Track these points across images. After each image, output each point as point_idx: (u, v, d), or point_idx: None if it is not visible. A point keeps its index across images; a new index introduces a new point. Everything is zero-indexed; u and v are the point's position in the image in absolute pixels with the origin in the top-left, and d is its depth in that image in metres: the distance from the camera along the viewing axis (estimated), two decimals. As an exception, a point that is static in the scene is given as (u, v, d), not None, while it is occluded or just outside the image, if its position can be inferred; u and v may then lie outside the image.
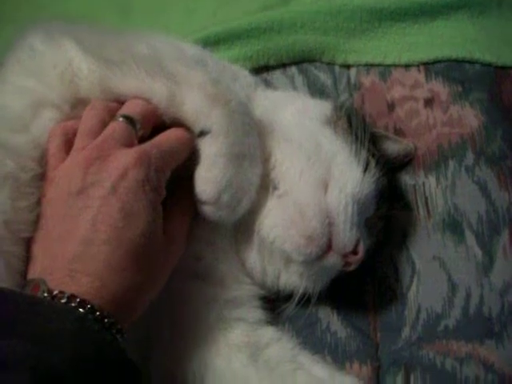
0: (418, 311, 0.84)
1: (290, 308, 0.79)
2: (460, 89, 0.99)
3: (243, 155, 0.68)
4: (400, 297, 0.85)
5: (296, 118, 0.81)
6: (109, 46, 0.71)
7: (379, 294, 0.86)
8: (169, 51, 0.76)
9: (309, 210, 0.72)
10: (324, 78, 1.05)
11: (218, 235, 0.78)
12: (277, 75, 1.04)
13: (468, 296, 0.84)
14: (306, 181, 0.74)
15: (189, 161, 0.69)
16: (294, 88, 1.03)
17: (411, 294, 0.85)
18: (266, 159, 0.75)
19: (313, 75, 1.05)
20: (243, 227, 0.77)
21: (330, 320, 0.84)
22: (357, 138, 0.79)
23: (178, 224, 0.69)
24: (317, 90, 1.02)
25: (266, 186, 0.75)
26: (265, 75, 1.04)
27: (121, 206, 0.61)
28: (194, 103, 0.67)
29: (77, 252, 0.59)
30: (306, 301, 0.78)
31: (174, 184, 0.68)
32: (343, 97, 1.02)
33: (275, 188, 0.75)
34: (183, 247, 0.70)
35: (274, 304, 0.82)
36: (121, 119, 0.67)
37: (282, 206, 0.74)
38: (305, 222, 0.72)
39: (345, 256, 0.74)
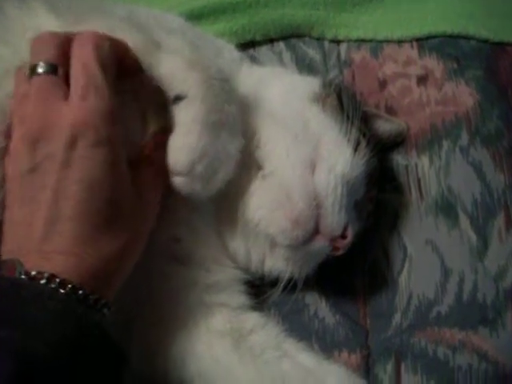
0: (410, 297, 0.81)
1: (276, 293, 0.77)
2: (455, 65, 0.97)
3: (221, 124, 0.64)
4: (391, 282, 0.82)
5: (282, 94, 0.78)
6: (84, 12, 0.67)
7: (369, 280, 0.83)
8: (148, 17, 0.73)
9: (295, 191, 0.70)
10: (313, 53, 1.02)
11: (199, 216, 0.75)
12: (264, 51, 1.01)
13: (461, 282, 0.81)
14: (293, 161, 0.71)
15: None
16: (282, 64, 1.00)
17: (402, 280, 0.83)
18: (250, 138, 0.72)
19: (301, 51, 1.01)
20: (226, 209, 0.74)
21: (318, 306, 0.82)
22: (347, 116, 0.76)
23: (151, 182, 0.65)
24: (305, 67, 0.99)
25: (250, 165, 0.72)
26: (251, 51, 1.01)
27: (79, 177, 0.57)
28: (170, 66, 0.63)
29: (43, 234, 0.56)
30: (292, 286, 0.76)
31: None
32: (333, 73, 0.99)
33: (260, 168, 0.73)
34: (157, 207, 0.67)
35: (259, 289, 0.80)
36: (40, 70, 0.60)
37: (267, 187, 0.72)
38: (291, 204, 0.69)
39: (333, 240, 0.71)
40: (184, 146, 0.62)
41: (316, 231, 0.70)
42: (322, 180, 0.71)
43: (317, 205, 0.70)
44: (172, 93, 0.64)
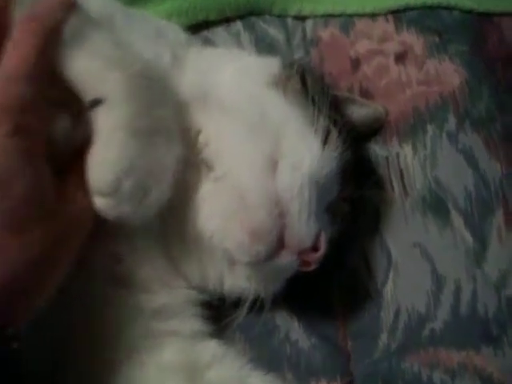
0: (397, 312, 0.75)
1: (241, 316, 0.70)
2: (437, 40, 0.90)
3: (152, 130, 0.56)
4: (374, 295, 0.77)
5: (234, 79, 0.71)
6: None
7: (348, 293, 0.77)
8: None
9: (253, 196, 0.62)
10: (274, 33, 0.94)
11: (143, 231, 0.67)
12: (219, 32, 0.94)
13: (458, 291, 0.76)
14: (249, 159, 0.64)
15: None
16: (240, 46, 0.93)
17: (387, 291, 0.77)
18: (196, 134, 0.66)
19: (261, 30, 0.94)
20: (174, 220, 0.67)
21: (290, 327, 0.76)
22: (313, 101, 0.69)
23: (79, 198, 0.56)
24: (266, 48, 0.92)
25: (199, 167, 0.66)
26: (205, 33, 0.93)
27: None
28: (84, 64, 0.55)
29: None
30: (259, 305, 0.69)
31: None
32: (298, 54, 0.92)
33: (211, 169, 0.66)
34: (87, 224, 0.58)
35: (220, 310, 0.73)
36: None
37: (219, 192, 0.64)
38: (248, 212, 0.62)
39: (302, 254, 0.63)
40: (105, 159, 0.53)
41: (281, 244, 0.62)
42: (285, 181, 0.63)
43: (280, 212, 0.62)
44: (89, 95, 0.55)
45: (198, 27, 0.92)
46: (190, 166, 0.63)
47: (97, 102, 0.54)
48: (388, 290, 0.76)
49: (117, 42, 0.58)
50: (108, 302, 0.66)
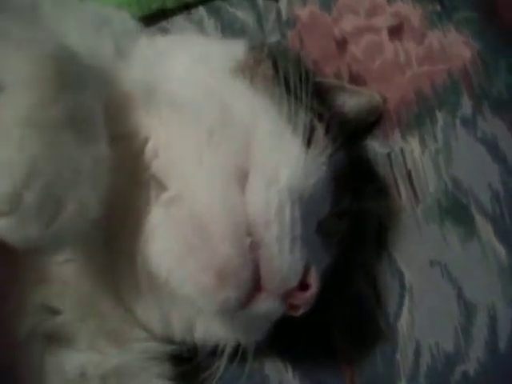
0: (417, 352, 0.66)
1: (219, 368, 0.62)
2: (438, 8, 0.86)
3: (63, 123, 0.47)
4: (387, 331, 0.68)
5: (188, 69, 0.62)
6: None
7: (354, 331, 0.69)
8: None
9: (216, 223, 0.52)
10: (244, 16, 0.89)
11: (82, 273, 0.59)
12: (179, 21, 0.90)
13: (493, 321, 0.66)
14: (210, 172, 0.55)
15: None
16: (205, 35, 0.88)
17: (403, 325, 0.68)
18: (143, 142, 0.58)
19: (228, 15, 0.90)
20: (122, 256, 0.58)
21: (282, 378, 0.68)
22: (290, 91, 0.60)
23: None
24: (235, 34, 0.88)
25: (146, 185, 0.57)
26: (164, 24, 0.89)
27: None
28: None
29: None
30: (242, 353, 0.62)
31: None
32: (273, 38, 0.87)
33: (162, 189, 0.56)
34: None
35: (194, 362, 0.64)
36: None
37: (173, 219, 0.55)
38: (210, 246, 0.52)
39: (287, 296, 0.53)
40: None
41: (256, 286, 0.52)
42: (257, 201, 0.53)
43: (253, 243, 0.52)
44: None
45: (154, 17, 0.88)
46: (137, 184, 0.55)
47: None
48: (403, 323, 0.68)
49: (25, 23, 0.51)
50: (42, 367, 0.58)
